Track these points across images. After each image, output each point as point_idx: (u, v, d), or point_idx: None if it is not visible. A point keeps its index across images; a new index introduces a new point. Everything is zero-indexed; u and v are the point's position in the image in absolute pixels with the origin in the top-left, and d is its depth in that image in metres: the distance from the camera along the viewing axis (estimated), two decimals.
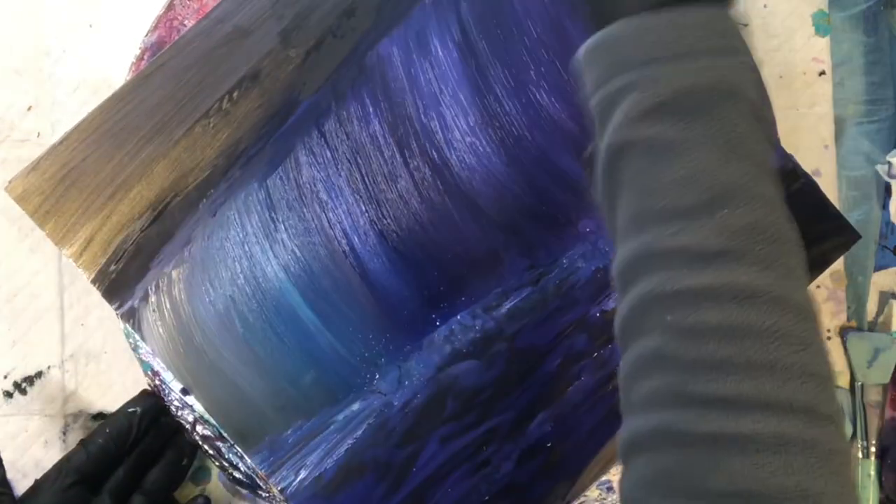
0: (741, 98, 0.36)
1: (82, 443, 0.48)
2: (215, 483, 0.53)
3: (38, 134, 0.53)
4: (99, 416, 0.53)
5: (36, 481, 0.47)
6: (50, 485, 0.46)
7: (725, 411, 0.33)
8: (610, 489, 0.51)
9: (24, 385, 0.53)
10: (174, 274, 0.50)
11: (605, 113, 0.38)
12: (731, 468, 0.32)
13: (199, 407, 0.50)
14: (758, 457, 0.32)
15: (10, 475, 0.46)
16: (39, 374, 0.53)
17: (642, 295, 0.36)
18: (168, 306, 0.50)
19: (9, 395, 0.52)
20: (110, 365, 0.53)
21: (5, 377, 0.53)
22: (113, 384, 0.53)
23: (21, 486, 0.47)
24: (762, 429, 0.32)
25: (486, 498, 0.50)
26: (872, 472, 0.53)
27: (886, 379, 0.53)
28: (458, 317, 0.50)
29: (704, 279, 0.34)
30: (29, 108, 0.53)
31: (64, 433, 0.53)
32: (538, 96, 0.51)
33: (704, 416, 0.33)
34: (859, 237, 0.51)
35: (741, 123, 0.36)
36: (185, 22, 0.51)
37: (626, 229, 0.37)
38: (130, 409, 0.49)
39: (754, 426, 0.32)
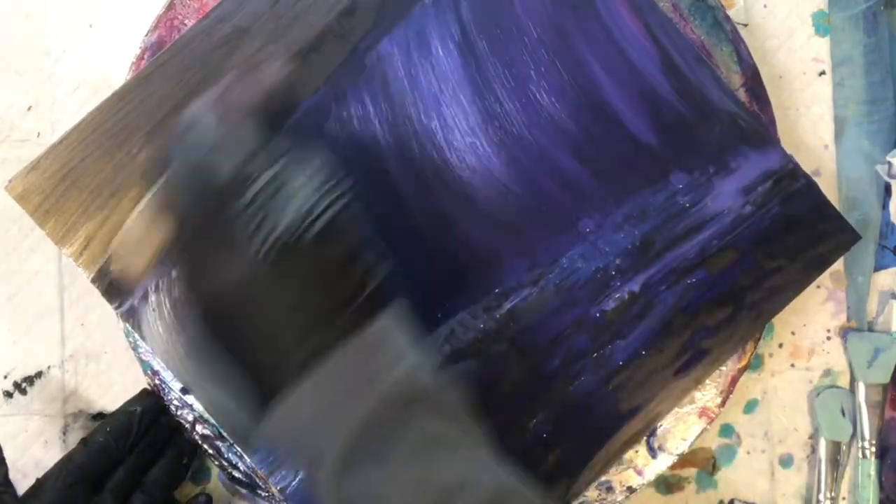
0: (417, 405, 0.37)
1: (83, 442, 0.48)
2: (215, 483, 0.53)
3: (38, 134, 0.53)
4: (99, 415, 0.53)
5: (37, 480, 0.47)
6: (52, 483, 0.46)
7: None
8: (609, 489, 0.51)
9: (24, 385, 0.53)
10: (174, 273, 0.50)
11: (309, 481, 0.40)
12: None
13: (198, 406, 0.50)
14: None
15: (10, 475, 0.46)
16: (39, 374, 0.53)
17: None
18: (168, 306, 0.50)
19: (9, 395, 0.53)
20: (110, 365, 0.53)
21: (5, 377, 0.53)
22: (113, 384, 0.53)
23: (21, 486, 0.47)
24: None
25: None
26: (872, 472, 0.53)
27: (886, 379, 0.53)
28: (459, 317, 0.50)
29: None
30: (29, 108, 0.54)
31: (64, 433, 0.53)
32: (538, 96, 0.51)
33: None
34: (859, 237, 0.51)
35: (425, 435, 0.37)
36: (186, 21, 0.51)
37: None
38: (131, 409, 0.50)
39: None
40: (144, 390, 0.51)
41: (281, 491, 0.49)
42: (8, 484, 0.46)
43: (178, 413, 0.50)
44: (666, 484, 0.54)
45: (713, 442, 0.54)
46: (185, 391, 0.50)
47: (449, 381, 0.39)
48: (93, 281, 0.49)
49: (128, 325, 0.50)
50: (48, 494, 0.46)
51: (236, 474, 0.50)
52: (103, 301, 0.50)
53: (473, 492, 0.36)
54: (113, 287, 0.49)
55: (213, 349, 0.39)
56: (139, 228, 0.40)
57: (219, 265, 0.37)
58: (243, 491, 0.51)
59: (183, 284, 0.38)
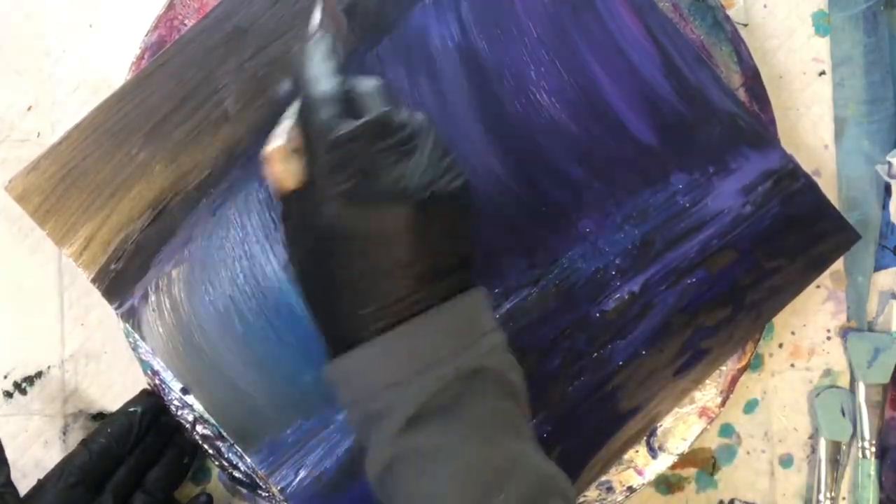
0: (488, 380, 0.37)
1: (84, 442, 0.48)
2: (215, 483, 0.53)
3: (38, 134, 0.53)
4: (99, 415, 0.53)
5: (39, 481, 0.47)
6: (53, 484, 0.46)
7: None
8: (610, 489, 0.51)
9: (24, 385, 0.53)
10: (174, 273, 0.50)
11: (364, 433, 0.38)
12: None
13: (198, 406, 0.50)
14: None
15: (11, 475, 0.46)
16: (39, 374, 0.53)
17: None
18: (168, 306, 0.50)
19: (9, 395, 0.53)
20: (110, 365, 0.53)
21: (5, 377, 0.53)
22: (113, 384, 0.53)
23: (21, 486, 0.47)
24: None
25: None
26: (872, 472, 0.53)
27: (886, 379, 0.53)
28: None
29: None
30: (29, 108, 0.54)
31: (64, 433, 0.53)
32: (538, 96, 0.51)
33: None
34: (859, 237, 0.51)
35: (493, 407, 0.37)
36: (186, 21, 0.51)
37: None
38: (131, 409, 0.50)
39: None
40: (144, 391, 0.51)
41: (281, 491, 0.49)
42: (10, 485, 0.46)
43: (179, 413, 0.50)
44: (666, 484, 0.54)
45: (713, 442, 0.54)
46: (185, 391, 0.50)
47: (515, 362, 0.39)
48: (93, 281, 0.49)
49: (128, 325, 0.50)
50: (50, 495, 0.46)
51: (236, 474, 0.50)
52: (103, 301, 0.50)
53: (522, 476, 0.36)
54: (113, 286, 0.49)
55: (312, 278, 0.39)
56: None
57: (335, 200, 0.37)
58: (244, 491, 0.51)
59: (304, 211, 0.38)
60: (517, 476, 0.36)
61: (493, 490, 0.36)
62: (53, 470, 0.47)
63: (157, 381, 0.51)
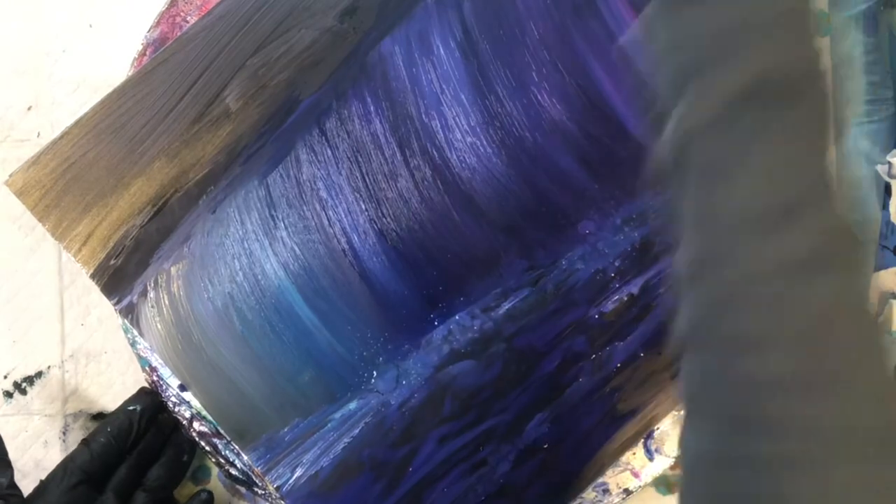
0: (825, 84, 0.34)
1: (85, 442, 0.48)
2: (215, 482, 0.53)
3: (38, 134, 0.54)
4: (99, 415, 0.53)
5: (41, 482, 0.47)
6: (56, 484, 0.47)
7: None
8: (606, 491, 0.51)
9: (24, 385, 0.53)
10: (173, 270, 0.50)
11: (679, 83, 0.35)
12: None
13: (196, 403, 0.50)
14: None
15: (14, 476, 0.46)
16: (39, 374, 0.53)
17: (713, 298, 0.33)
18: (166, 302, 0.50)
19: (9, 395, 0.53)
20: (110, 365, 0.53)
21: (5, 377, 0.53)
22: (113, 384, 0.53)
23: (21, 485, 0.47)
24: None
25: (483, 498, 0.50)
26: None
27: None
28: (457, 317, 0.50)
29: (784, 286, 0.32)
30: (29, 108, 0.54)
31: (64, 433, 0.53)
32: (539, 97, 0.51)
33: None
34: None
35: (824, 113, 0.33)
36: (188, 18, 0.52)
37: (696, 224, 0.34)
38: (130, 408, 0.50)
39: None
40: (142, 389, 0.51)
41: (277, 489, 0.49)
42: (14, 487, 0.46)
43: (176, 410, 0.50)
44: (666, 484, 0.53)
45: None
46: (182, 388, 0.50)
47: None
48: (92, 276, 0.49)
49: (126, 320, 0.50)
50: (53, 496, 0.46)
51: (233, 471, 0.50)
52: (103, 301, 0.50)
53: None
54: (112, 282, 0.50)
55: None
56: None
57: None
58: (243, 491, 0.51)
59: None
60: (821, 202, 0.32)
61: (797, 207, 0.32)
62: (55, 470, 0.47)
63: (154, 378, 0.50)
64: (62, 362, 0.53)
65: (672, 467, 0.51)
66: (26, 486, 0.47)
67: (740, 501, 0.31)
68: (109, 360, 0.53)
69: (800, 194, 0.32)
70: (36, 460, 0.52)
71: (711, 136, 0.33)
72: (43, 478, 0.47)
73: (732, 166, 0.33)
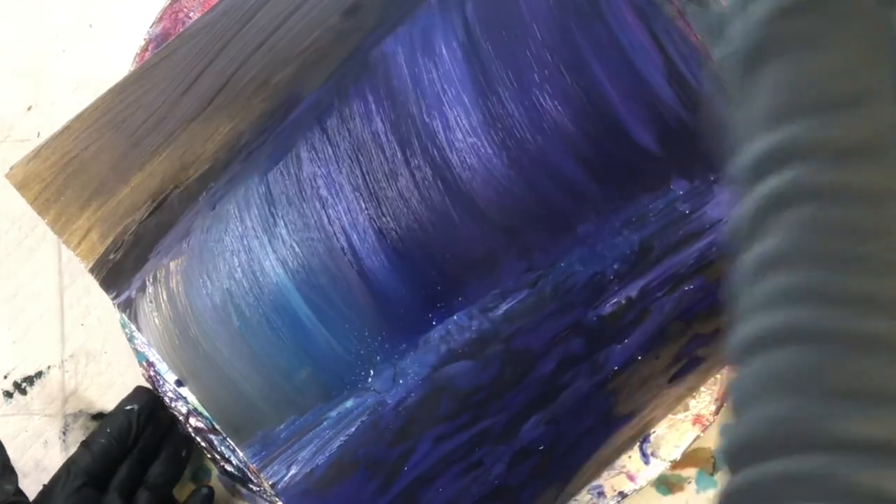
0: None
1: (85, 444, 0.49)
2: (215, 483, 0.53)
3: (39, 134, 0.54)
4: (99, 415, 0.53)
5: (45, 486, 0.48)
6: (61, 487, 0.47)
7: (864, 310, 0.31)
8: (601, 494, 0.51)
9: (24, 385, 0.53)
10: (172, 265, 0.50)
11: (744, 5, 0.36)
12: (869, 368, 0.30)
13: (192, 399, 0.50)
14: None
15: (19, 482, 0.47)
16: (39, 374, 0.53)
17: (774, 189, 0.34)
18: (165, 297, 0.50)
19: (9, 395, 0.53)
20: (110, 365, 0.53)
21: (5, 377, 0.53)
22: (113, 384, 0.53)
23: (21, 485, 0.47)
24: None
25: (477, 499, 0.50)
26: None
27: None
28: (455, 317, 0.50)
29: (848, 175, 0.32)
30: (29, 108, 0.54)
31: (64, 433, 0.53)
32: (541, 99, 0.51)
33: (839, 314, 0.31)
34: None
35: (889, 20, 0.34)
36: (191, 14, 0.52)
37: (762, 124, 0.35)
38: (128, 407, 0.50)
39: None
40: (139, 387, 0.51)
41: (272, 486, 0.49)
42: (20, 493, 0.46)
43: (173, 405, 0.50)
44: (666, 484, 0.54)
45: (713, 442, 0.54)
46: (179, 383, 0.50)
47: None
48: (91, 270, 0.49)
49: (124, 315, 0.50)
50: (59, 499, 0.47)
51: (228, 468, 0.50)
52: (103, 301, 0.50)
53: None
54: (111, 276, 0.50)
55: None
56: None
57: None
58: (243, 491, 0.51)
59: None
60: (886, 96, 0.33)
61: (863, 99, 0.33)
62: (58, 473, 0.48)
63: (152, 373, 0.51)
64: (62, 362, 0.53)
65: (673, 466, 0.51)
66: (27, 486, 0.47)
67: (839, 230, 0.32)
68: (109, 361, 0.53)
69: (864, 90, 0.33)
70: (36, 460, 0.52)
71: (778, 47, 0.34)
72: (43, 478, 0.48)
73: (799, 70, 0.34)
